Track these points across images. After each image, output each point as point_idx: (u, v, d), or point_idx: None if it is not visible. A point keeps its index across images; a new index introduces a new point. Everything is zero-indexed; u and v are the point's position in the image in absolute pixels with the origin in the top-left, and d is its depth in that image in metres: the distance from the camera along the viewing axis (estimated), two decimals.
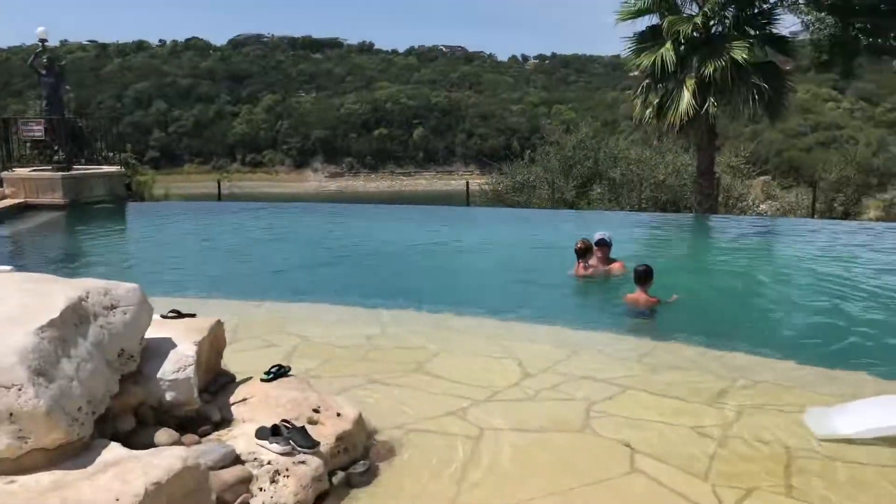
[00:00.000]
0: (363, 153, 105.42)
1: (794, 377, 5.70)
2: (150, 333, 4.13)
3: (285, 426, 3.87)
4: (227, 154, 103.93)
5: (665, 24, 18.02)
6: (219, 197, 21.80)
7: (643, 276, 7.83)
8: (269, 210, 17.99)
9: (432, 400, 5.11)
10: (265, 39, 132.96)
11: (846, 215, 28.55)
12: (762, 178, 39.52)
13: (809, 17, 19.72)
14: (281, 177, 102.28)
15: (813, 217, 22.84)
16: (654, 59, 17.83)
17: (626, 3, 18.86)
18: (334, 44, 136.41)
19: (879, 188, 33.82)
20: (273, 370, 4.66)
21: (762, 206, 28.16)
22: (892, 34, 19.58)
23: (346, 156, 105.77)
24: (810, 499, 3.81)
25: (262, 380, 4.59)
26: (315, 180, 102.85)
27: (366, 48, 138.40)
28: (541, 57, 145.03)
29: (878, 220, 26.81)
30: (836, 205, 29.74)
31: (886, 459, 4.23)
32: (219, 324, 4.67)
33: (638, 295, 7.88)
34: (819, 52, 20.11)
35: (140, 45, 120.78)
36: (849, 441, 4.43)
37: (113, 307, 3.85)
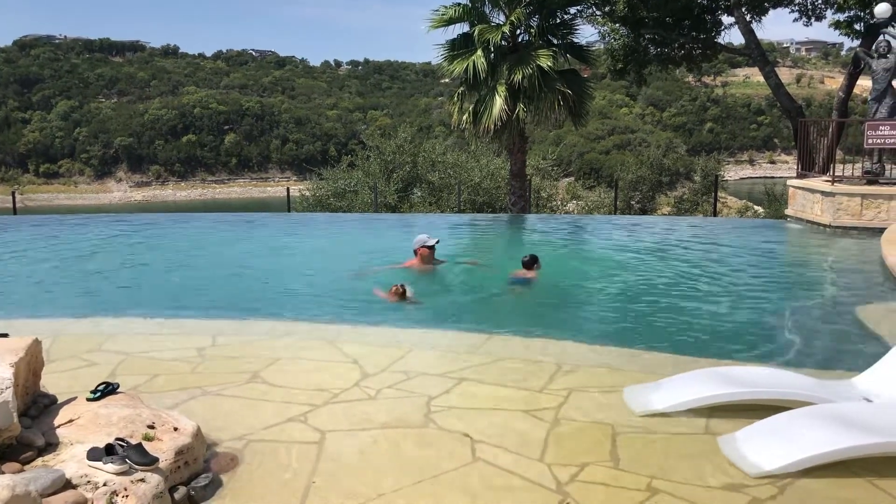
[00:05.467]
0: (171, 161, 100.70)
1: (611, 360, 6.17)
2: None
3: (120, 445, 3.68)
4: (17, 164, 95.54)
5: (475, 33, 18.68)
6: (14, 210, 19.99)
7: (531, 262, 9.71)
8: (77, 222, 16.74)
9: (271, 408, 5.02)
10: (57, 41, 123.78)
11: (643, 211, 31.06)
12: (566, 179, 42.06)
13: (605, 27, 21.29)
14: (81, 188, 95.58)
15: (615, 213, 24.60)
16: (467, 66, 18.44)
17: (436, 11, 19.36)
18: (136, 47, 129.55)
19: (670, 186, 36.99)
20: (100, 388, 4.41)
21: (570, 206, 29.95)
22: (675, 45, 21.55)
23: (153, 164, 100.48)
24: (635, 469, 4.16)
25: (89, 399, 4.33)
26: (119, 190, 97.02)
27: (170, 51, 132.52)
28: (353, 63, 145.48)
29: (670, 214, 29.36)
30: (633, 202, 32.28)
31: (694, 428, 4.71)
32: (36, 343, 4.36)
33: (525, 272, 9.67)
34: (615, 60, 21.75)
35: None
36: (663, 415, 4.88)
37: None
